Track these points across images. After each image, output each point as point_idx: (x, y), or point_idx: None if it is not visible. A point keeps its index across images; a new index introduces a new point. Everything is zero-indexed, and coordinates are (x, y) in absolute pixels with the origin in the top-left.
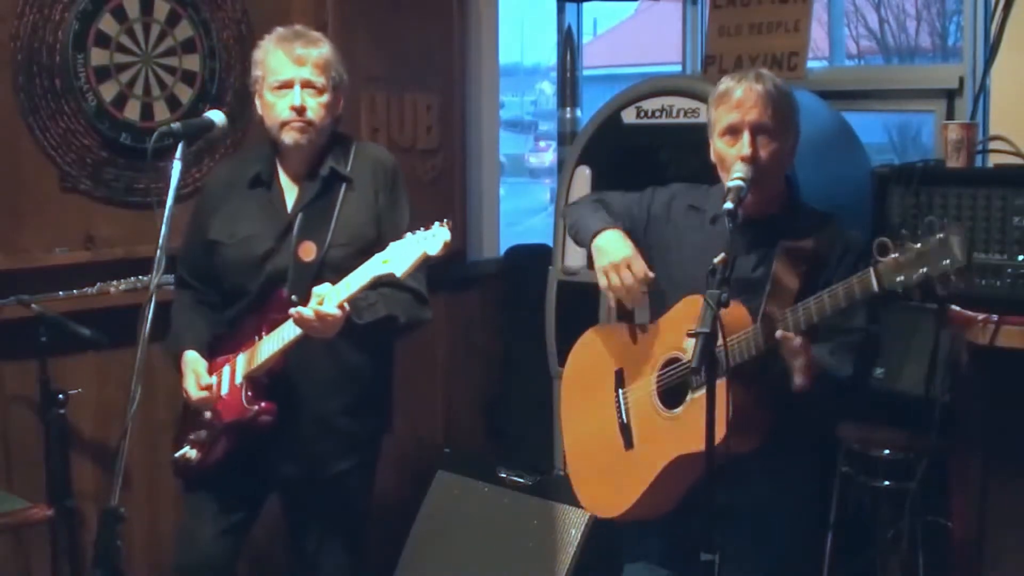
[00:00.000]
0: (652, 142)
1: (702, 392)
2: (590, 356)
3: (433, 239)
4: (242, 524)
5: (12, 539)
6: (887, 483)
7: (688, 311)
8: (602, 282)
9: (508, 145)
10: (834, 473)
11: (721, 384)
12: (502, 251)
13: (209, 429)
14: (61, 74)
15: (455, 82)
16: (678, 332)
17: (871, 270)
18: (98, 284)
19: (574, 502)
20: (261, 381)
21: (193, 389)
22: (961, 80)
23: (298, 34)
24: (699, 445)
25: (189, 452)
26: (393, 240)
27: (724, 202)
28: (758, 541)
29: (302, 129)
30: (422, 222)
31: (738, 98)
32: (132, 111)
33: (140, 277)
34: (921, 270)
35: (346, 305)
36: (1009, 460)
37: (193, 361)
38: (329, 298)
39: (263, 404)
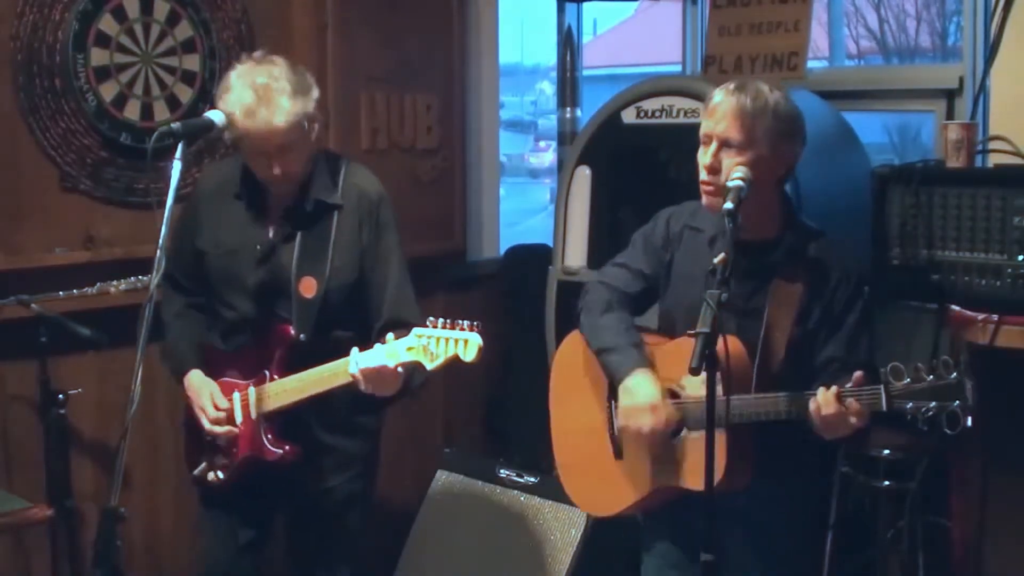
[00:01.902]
0: (652, 142)
1: (699, 433)
2: (587, 353)
3: (467, 345)
4: (257, 541)
5: (12, 539)
6: (887, 483)
7: (686, 348)
8: (620, 422)
9: (508, 145)
10: (834, 473)
11: (720, 434)
12: (502, 251)
13: (227, 456)
14: (61, 74)
15: (455, 82)
16: (677, 366)
17: (882, 390)
18: (98, 284)
19: (574, 502)
20: (277, 418)
21: (211, 411)
22: (961, 80)
23: (260, 96)
24: (689, 483)
25: (211, 475)
26: (375, 279)
27: (724, 202)
28: (758, 541)
29: (286, 184)
30: (422, 222)
31: (711, 107)
32: (132, 111)
33: (140, 277)
34: (931, 404)
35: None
36: (1009, 460)
37: (205, 383)
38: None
39: (288, 448)
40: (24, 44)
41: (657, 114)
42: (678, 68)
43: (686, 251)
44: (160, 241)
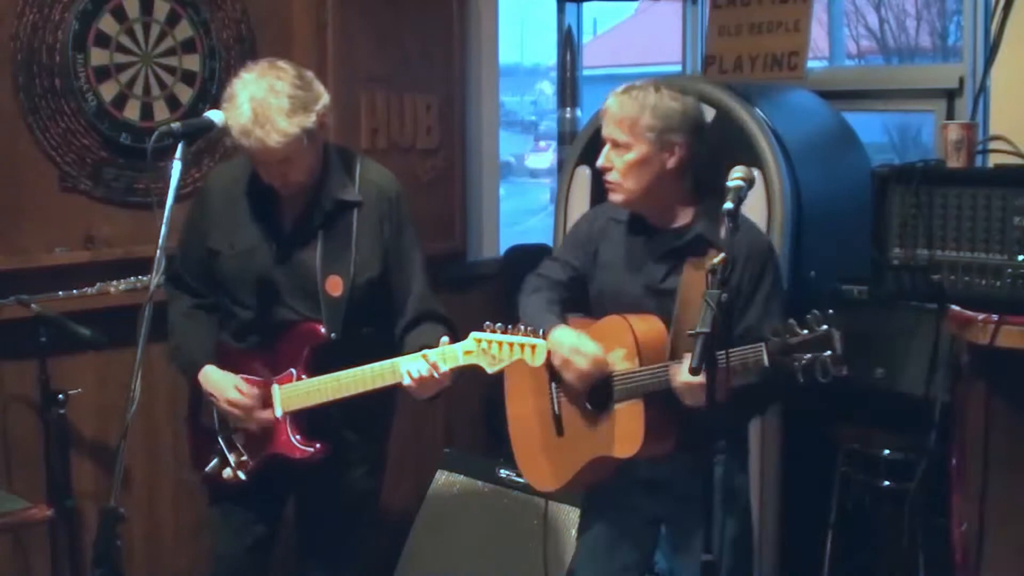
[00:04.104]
0: None
1: (623, 405)
2: None
3: (535, 351)
4: (267, 537)
5: (12, 539)
6: (887, 483)
7: (610, 327)
8: (556, 360)
9: (508, 145)
10: (834, 473)
11: (638, 404)
12: (502, 251)
13: (249, 454)
14: (61, 74)
15: (455, 82)
16: (604, 344)
17: (763, 347)
18: (98, 284)
19: (575, 502)
20: (302, 416)
21: (244, 401)
22: (961, 80)
23: (256, 115)
24: (618, 452)
25: (227, 472)
26: (399, 275)
27: (724, 202)
28: (689, 511)
29: (293, 189)
30: (422, 222)
31: (602, 110)
32: (132, 111)
33: (140, 277)
34: (805, 356)
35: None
36: (1009, 460)
37: (226, 377)
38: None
39: (318, 446)
40: (24, 44)
41: None
42: (678, 68)
43: (609, 242)
44: (160, 241)
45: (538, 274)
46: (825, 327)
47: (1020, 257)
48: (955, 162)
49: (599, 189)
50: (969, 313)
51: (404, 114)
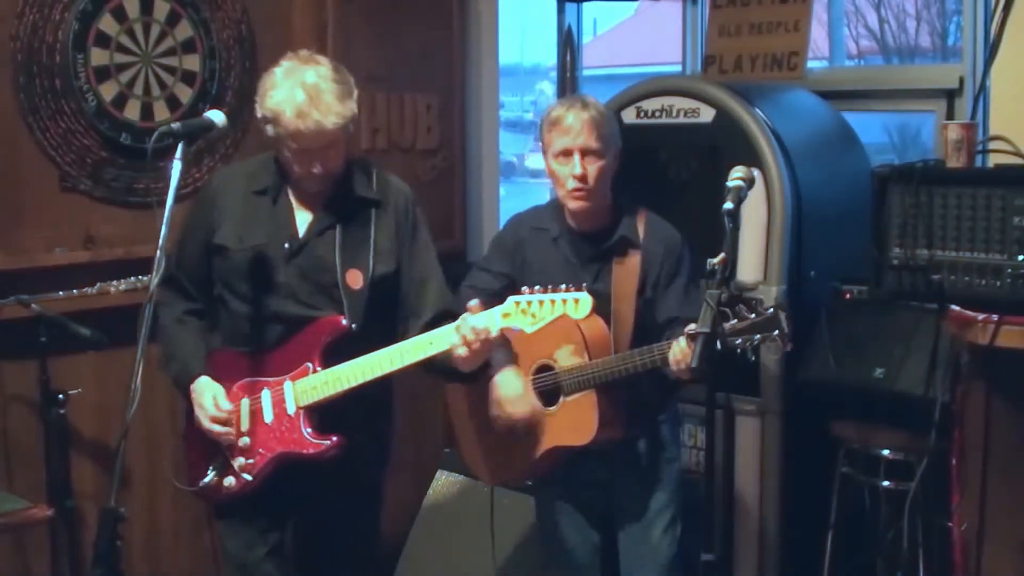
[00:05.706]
0: (652, 142)
1: (573, 397)
2: None
3: (578, 304)
4: (280, 544)
5: (12, 539)
6: (887, 483)
7: (559, 327)
8: (492, 411)
9: (508, 145)
10: (834, 473)
11: (589, 395)
12: None
13: (254, 457)
14: (61, 74)
15: (455, 82)
16: (546, 344)
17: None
18: (98, 284)
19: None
20: (316, 411)
21: (211, 410)
22: (961, 80)
23: (311, 97)
24: (569, 441)
25: (229, 480)
26: (415, 274)
27: (724, 202)
28: (632, 477)
29: (321, 182)
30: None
31: (567, 125)
32: (132, 111)
33: (140, 277)
34: (755, 336)
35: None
36: (1009, 460)
37: (210, 386)
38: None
39: (334, 439)
40: (24, 44)
41: (657, 114)
42: (678, 68)
43: (536, 250)
44: (160, 241)
45: (471, 287)
46: (772, 310)
47: (1020, 257)
48: (955, 162)
49: None
50: (969, 313)
51: (404, 114)
